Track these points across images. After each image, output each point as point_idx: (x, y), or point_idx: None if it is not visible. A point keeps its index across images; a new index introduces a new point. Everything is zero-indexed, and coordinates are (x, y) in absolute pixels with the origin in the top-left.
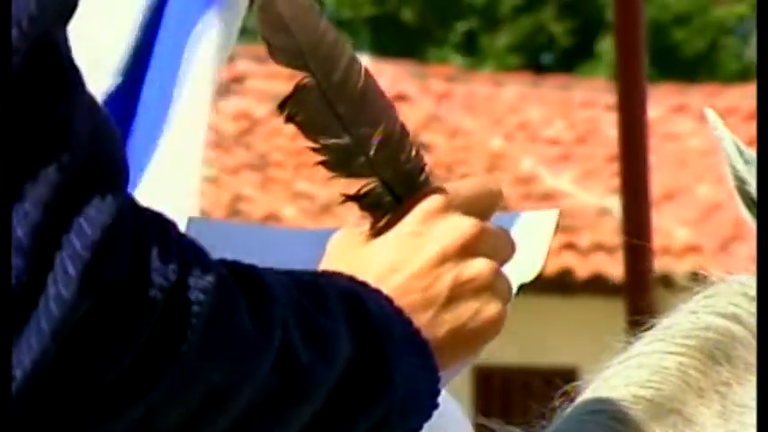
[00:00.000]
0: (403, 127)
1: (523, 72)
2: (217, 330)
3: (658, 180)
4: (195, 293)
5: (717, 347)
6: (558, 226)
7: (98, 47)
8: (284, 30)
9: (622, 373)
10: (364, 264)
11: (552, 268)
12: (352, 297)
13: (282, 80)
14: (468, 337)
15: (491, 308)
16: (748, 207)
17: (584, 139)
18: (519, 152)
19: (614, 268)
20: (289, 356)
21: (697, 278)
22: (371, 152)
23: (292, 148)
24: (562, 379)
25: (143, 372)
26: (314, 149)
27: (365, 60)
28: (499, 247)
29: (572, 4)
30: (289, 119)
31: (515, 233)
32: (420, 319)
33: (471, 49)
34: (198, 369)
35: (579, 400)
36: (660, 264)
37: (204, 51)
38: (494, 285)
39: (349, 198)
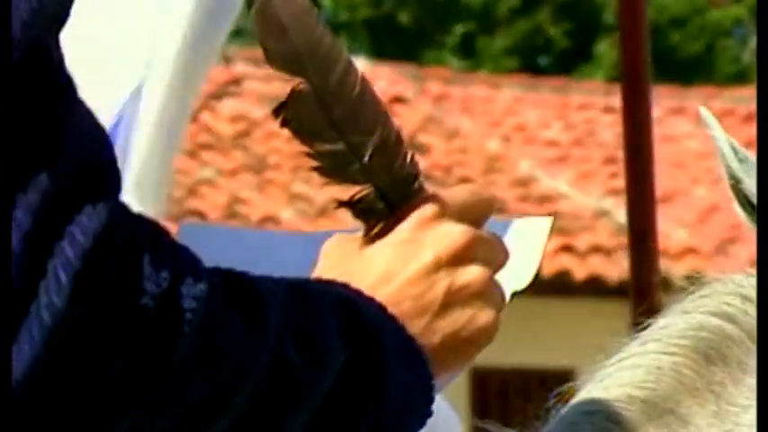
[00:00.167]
0: (398, 134)
1: (521, 74)
2: (209, 338)
3: (656, 182)
4: (187, 301)
5: (711, 347)
6: (552, 231)
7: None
8: (281, 34)
9: (617, 373)
10: (358, 271)
11: (550, 270)
12: (346, 304)
13: (280, 82)
14: (463, 345)
15: (485, 315)
16: (743, 206)
17: (582, 141)
18: (516, 154)
19: (612, 270)
20: (282, 364)
21: (693, 280)
22: (366, 158)
23: (290, 151)
24: (559, 381)
25: (134, 379)
26: (308, 155)
27: (362, 63)
28: (493, 254)
29: (569, 7)
30: (284, 124)
31: (509, 240)
32: (414, 327)
33: (468, 52)
34: (190, 377)
35: (574, 400)
36: None
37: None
38: (487, 292)
39: (342, 204)
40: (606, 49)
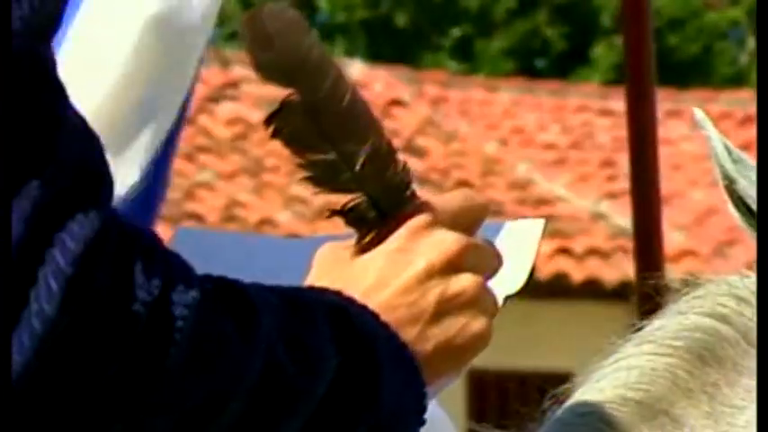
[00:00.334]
0: (389, 142)
1: (518, 77)
2: (201, 345)
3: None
4: (179, 309)
5: (705, 348)
6: (548, 233)
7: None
8: (270, 46)
9: (611, 375)
10: (351, 279)
11: (546, 273)
12: (339, 312)
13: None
14: (455, 352)
15: (478, 323)
16: (737, 207)
17: (579, 144)
18: (513, 157)
19: (609, 273)
20: (275, 370)
21: (689, 283)
22: (357, 168)
23: (287, 154)
24: (557, 383)
25: (126, 386)
26: (300, 165)
27: (359, 65)
28: (485, 260)
29: (566, 9)
30: (275, 134)
31: (501, 242)
32: (407, 335)
33: (466, 54)
34: (182, 384)
35: (568, 402)
36: None
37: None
38: (480, 300)
39: (335, 213)
40: (603, 51)
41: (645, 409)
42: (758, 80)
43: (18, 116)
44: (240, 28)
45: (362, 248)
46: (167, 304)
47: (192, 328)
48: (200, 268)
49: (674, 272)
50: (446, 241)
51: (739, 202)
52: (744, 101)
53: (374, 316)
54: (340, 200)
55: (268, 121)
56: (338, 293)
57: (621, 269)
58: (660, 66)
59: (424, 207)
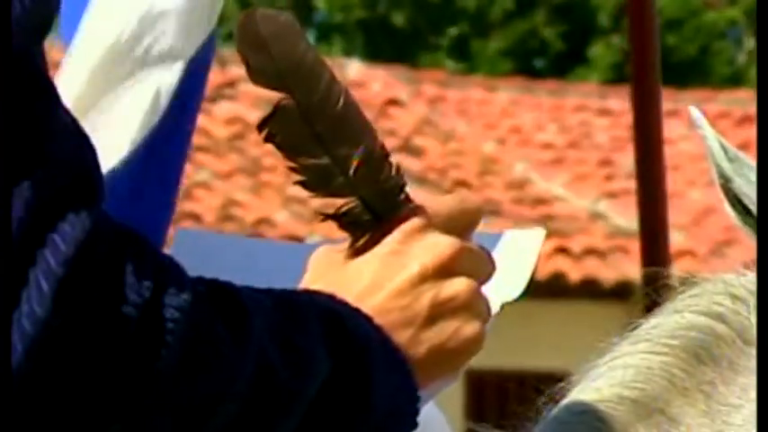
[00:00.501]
0: (383, 146)
1: (516, 76)
2: (192, 348)
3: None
4: (170, 311)
5: (701, 347)
6: (546, 236)
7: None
8: (263, 50)
9: (607, 373)
10: (344, 282)
11: (544, 272)
12: (332, 315)
13: None
14: (448, 356)
15: (471, 327)
16: (733, 205)
17: (577, 143)
18: (512, 156)
19: (607, 272)
20: (267, 373)
21: (687, 282)
22: (350, 172)
23: None
24: (555, 383)
25: (118, 389)
26: (293, 169)
27: (357, 65)
28: (479, 265)
29: (564, 9)
30: (268, 139)
31: (500, 252)
32: (400, 338)
33: (464, 54)
34: (174, 387)
35: (565, 401)
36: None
37: None
38: (473, 304)
39: (328, 217)
40: (601, 51)
41: (641, 408)
42: (758, 80)
43: (9, 117)
44: (234, 30)
45: (356, 252)
46: (159, 306)
47: (183, 330)
48: (199, 269)
49: (672, 271)
50: (440, 245)
51: (735, 200)
52: (742, 100)
53: (367, 319)
54: (334, 203)
55: (262, 125)
56: (332, 296)
57: (619, 269)
58: None
59: (417, 210)
